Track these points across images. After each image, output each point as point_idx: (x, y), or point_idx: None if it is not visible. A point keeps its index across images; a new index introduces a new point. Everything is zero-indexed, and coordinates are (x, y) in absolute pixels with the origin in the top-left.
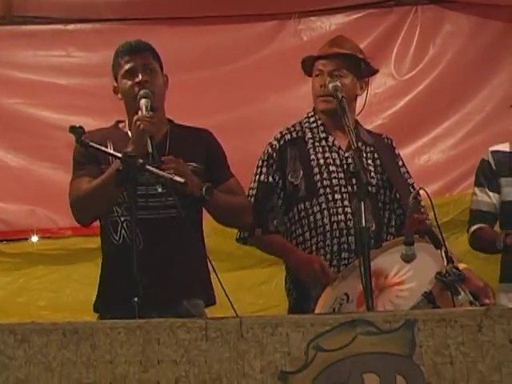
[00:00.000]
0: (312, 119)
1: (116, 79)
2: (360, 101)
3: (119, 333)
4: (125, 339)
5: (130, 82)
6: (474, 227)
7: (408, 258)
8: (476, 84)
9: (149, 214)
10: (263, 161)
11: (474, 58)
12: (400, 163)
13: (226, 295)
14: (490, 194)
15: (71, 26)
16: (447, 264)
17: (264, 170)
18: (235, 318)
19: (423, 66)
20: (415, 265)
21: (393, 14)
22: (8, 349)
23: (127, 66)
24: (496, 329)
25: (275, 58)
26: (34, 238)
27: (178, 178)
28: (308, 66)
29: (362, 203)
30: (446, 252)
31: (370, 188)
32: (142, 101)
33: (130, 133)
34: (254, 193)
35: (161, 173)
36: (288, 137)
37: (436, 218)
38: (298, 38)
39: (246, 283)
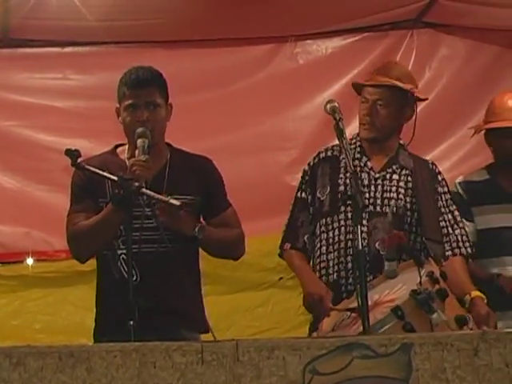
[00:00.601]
0: (353, 140)
1: (120, 104)
2: (355, 125)
3: (115, 356)
4: (121, 362)
5: (129, 118)
6: None
7: (390, 275)
8: (472, 107)
9: (144, 248)
10: (302, 177)
11: (470, 82)
12: (441, 190)
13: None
14: (468, 223)
15: (68, 49)
16: (420, 283)
17: (300, 185)
18: (231, 341)
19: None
20: (410, 283)
21: (389, 37)
22: (3, 372)
23: (130, 101)
24: (492, 353)
25: (271, 81)
26: (30, 261)
27: (173, 201)
28: (358, 89)
29: (359, 227)
30: (432, 273)
31: (384, 209)
32: (139, 141)
33: (127, 162)
34: (291, 208)
35: (157, 196)
36: (323, 155)
37: None
38: (295, 61)
39: (243, 306)
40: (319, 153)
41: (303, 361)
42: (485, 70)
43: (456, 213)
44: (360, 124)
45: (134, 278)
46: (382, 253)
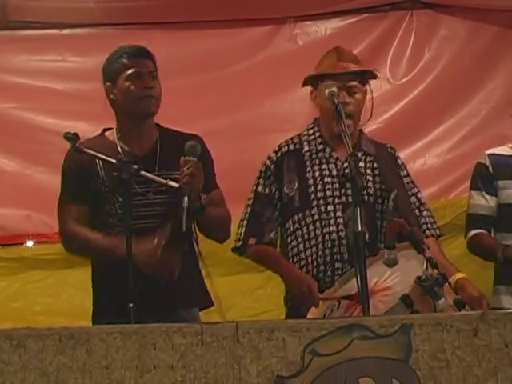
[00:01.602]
0: (311, 131)
1: (112, 80)
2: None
3: (115, 338)
4: (121, 344)
5: (134, 86)
6: (472, 232)
7: (390, 263)
8: (471, 88)
9: (141, 224)
10: (261, 172)
11: (470, 62)
12: (403, 173)
13: None
14: (488, 197)
15: (66, 31)
16: (426, 269)
17: (261, 181)
18: (231, 323)
19: (418, 71)
20: (404, 270)
21: (388, 18)
22: (3, 354)
23: (133, 70)
24: (492, 333)
25: (271, 62)
26: (30, 243)
27: (172, 183)
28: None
29: (358, 208)
30: (431, 258)
31: (366, 196)
32: (189, 158)
33: (118, 142)
34: (251, 203)
35: (156, 178)
36: (285, 149)
37: None
38: (294, 43)
39: (242, 288)
40: (280, 147)
41: (303, 342)
42: (485, 50)
43: (419, 195)
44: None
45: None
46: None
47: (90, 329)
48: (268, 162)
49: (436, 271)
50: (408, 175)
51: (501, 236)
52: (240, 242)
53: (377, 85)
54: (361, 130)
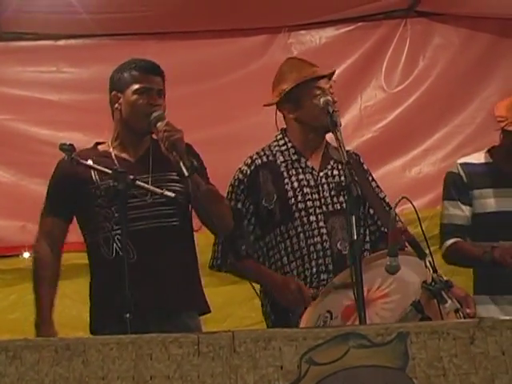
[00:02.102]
0: (281, 142)
1: (120, 90)
2: (348, 115)
3: (111, 349)
4: (117, 355)
5: (142, 100)
6: (449, 242)
7: (392, 270)
8: (466, 96)
9: (140, 225)
10: (233, 186)
11: (464, 71)
12: (370, 178)
13: None
14: (463, 207)
15: (61, 42)
16: (433, 272)
17: (233, 196)
18: (228, 332)
19: (413, 79)
20: (397, 277)
21: (382, 27)
22: (0, 365)
23: (144, 84)
24: (489, 341)
25: (265, 72)
26: (26, 254)
27: (168, 193)
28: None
29: (353, 217)
30: (432, 261)
31: (336, 206)
32: (159, 124)
33: (112, 151)
34: None
35: (151, 188)
36: (259, 161)
37: (422, 228)
38: (288, 52)
39: (239, 297)
40: (253, 159)
41: (299, 351)
42: (479, 58)
43: (387, 199)
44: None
45: (131, 256)
46: (343, 253)
47: (86, 340)
48: (241, 176)
49: (435, 275)
50: (373, 180)
51: (479, 246)
52: (218, 261)
53: (372, 93)
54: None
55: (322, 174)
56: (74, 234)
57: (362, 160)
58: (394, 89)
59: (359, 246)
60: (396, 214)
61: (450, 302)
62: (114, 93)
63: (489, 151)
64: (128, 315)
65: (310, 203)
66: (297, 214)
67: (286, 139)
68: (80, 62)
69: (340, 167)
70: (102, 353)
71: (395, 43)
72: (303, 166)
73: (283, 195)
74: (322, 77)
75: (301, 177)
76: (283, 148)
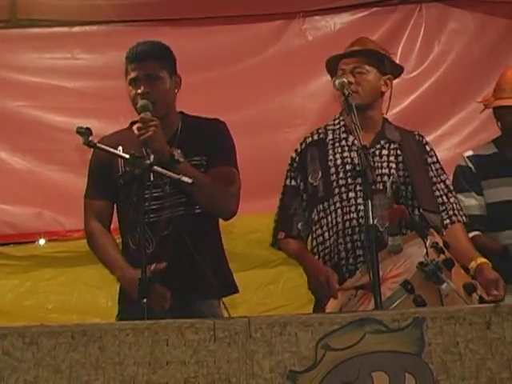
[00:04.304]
0: (336, 121)
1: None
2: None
3: (127, 334)
4: (133, 341)
5: (133, 92)
6: (470, 234)
7: (394, 249)
8: (481, 81)
9: (158, 216)
10: (289, 165)
11: (479, 56)
12: (431, 160)
13: None
14: (477, 197)
15: (76, 29)
16: (427, 254)
17: (289, 173)
18: (243, 318)
19: (428, 64)
20: (414, 256)
21: (397, 12)
22: (17, 351)
23: (132, 75)
24: (505, 326)
25: (280, 57)
26: (41, 241)
27: (185, 179)
28: (332, 66)
29: (369, 201)
30: (436, 243)
31: (378, 186)
32: (142, 115)
33: None
34: (281, 196)
35: (168, 173)
36: (310, 139)
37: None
38: (303, 38)
39: (254, 283)
40: (305, 138)
41: (315, 336)
42: (494, 43)
43: (448, 182)
44: (341, 96)
45: (151, 247)
46: (381, 229)
47: (102, 325)
48: (294, 155)
49: (443, 256)
50: (437, 161)
51: (490, 236)
52: (273, 238)
53: None
54: (385, 119)
55: (369, 151)
56: None
57: (425, 141)
58: (409, 74)
59: (374, 232)
60: (393, 194)
61: (445, 283)
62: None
63: (493, 141)
64: (145, 300)
65: (350, 180)
66: (337, 190)
67: (341, 118)
68: (95, 48)
69: (392, 147)
70: (118, 338)
71: (410, 28)
72: (350, 143)
73: (326, 172)
74: (342, 56)
75: (345, 154)
76: (336, 127)
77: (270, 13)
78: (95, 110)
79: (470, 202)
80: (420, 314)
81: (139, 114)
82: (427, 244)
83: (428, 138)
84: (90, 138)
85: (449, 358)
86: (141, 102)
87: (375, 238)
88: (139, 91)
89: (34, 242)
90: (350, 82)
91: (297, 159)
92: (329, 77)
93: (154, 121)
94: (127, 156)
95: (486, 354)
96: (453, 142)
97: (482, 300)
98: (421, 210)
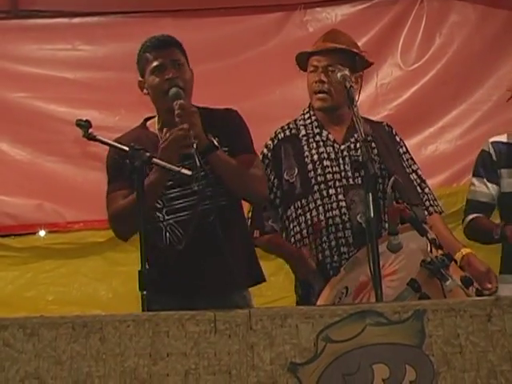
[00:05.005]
0: (307, 115)
1: (142, 75)
2: (364, 93)
3: (128, 326)
4: (134, 332)
5: (158, 79)
6: (469, 217)
7: (394, 248)
8: (482, 74)
9: (188, 214)
10: (261, 161)
11: (481, 48)
12: (402, 150)
13: None
14: (489, 184)
15: (77, 20)
16: (430, 251)
17: None
18: (244, 310)
19: (430, 56)
20: (408, 254)
21: (399, 4)
22: (17, 343)
23: (156, 63)
24: (506, 318)
25: (281, 49)
26: (42, 233)
27: (185, 171)
28: (302, 61)
29: (370, 194)
30: (434, 239)
31: (356, 181)
32: (175, 102)
33: (158, 133)
34: None
35: (168, 165)
36: (281, 135)
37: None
38: (304, 29)
39: None
40: (276, 134)
41: (316, 328)
42: (495, 35)
43: (419, 171)
44: (313, 94)
45: (182, 244)
46: (364, 226)
47: (103, 317)
48: (265, 150)
49: (440, 252)
50: (407, 152)
51: None
52: None
53: (388, 71)
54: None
55: (343, 147)
56: (89, 212)
57: (394, 132)
58: (411, 66)
59: (375, 224)
60: (393, 192)
61: (450, 280)
62: (139, 79)
63: None
64: (145, 292)
65: (329, 176)
66: (316, 187)
67: (311, 112)
68: (95, 39)
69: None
70: (118, 330)
71: (411, 20)
72: (324, 138)
73: (303, 168)
74: (315, 53)
75: (321, 150)
76: (307, 121)
77: (270, 4)
78: (96, 102)
79: (480, 189)
80: (421, 307)
81: (171, 101)
82: (428, 240)
83: (429, 130)
84: (90, 131)
85: (449, 350)
86: (173, 90)
87: (356, 236)
88: (167, 77)
89: (34, 233)
90: (321, 81)
91: (269, 155)
92: None
93: (192, 107)
94: (126, 148)
95: (486, 346)
96: (454, 134)
97: (478, 293)
98: (405, 204)
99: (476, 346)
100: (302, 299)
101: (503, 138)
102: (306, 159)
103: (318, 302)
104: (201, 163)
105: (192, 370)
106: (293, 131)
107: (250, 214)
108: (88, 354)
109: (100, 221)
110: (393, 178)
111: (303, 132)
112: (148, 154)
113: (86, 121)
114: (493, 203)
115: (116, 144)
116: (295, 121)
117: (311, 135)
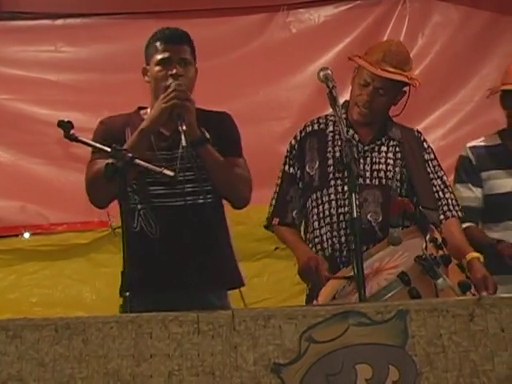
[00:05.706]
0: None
1: (148, 62)
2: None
3: (111, 327)
4: (117, 334)
5: (162, 72)
6: (463, 226)
7: (394, 241)
8: (465, 74)
9: (166, 202)
10: (288, 151)
11: (463, 49)
12: (428, 156)
13: None
14: (474, 189)
15: (59, 21)
16: (426, 248)
17: (287, 160)
18: (227, 311)
19: (412, 57)
20: (413, 249)
21: (381, 5)
22: (0, 345)
23: (164, 55)
24: (488, 318)
25: (264, 50)
26: (26, 235)
27: (167, 172)
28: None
29: (354, 195)
30: (436, 239)
31: (384, 180)
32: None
33: None
34: (279, 182)
35: (150, 166)
36: (310, 128)
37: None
38: (287, 31)
39: None
40: (305, 126)
41: (299, 329)
42: (478, 36)
43: (444, 178)
44: (354, 105)
45: (154, 232)
46: (373, 224)
47: (86, 319)
48: (293, 142)
49: (441, 252)
50: (435, 158)
51: (487, 227)
52: (267, 221)
53: None
54: (389, 117)
55: (367, 147)
56: (73, 213)
57: (423, 138)
58: None
59: (358, 225)
60: (381, 189)
61: (441, 279)
62: (144, 66)
63: (498, 133)
64: (128, 293)
65: (346, 173)
66: (332, 182)
67: (343, 110)
68: (78, 41)
69: (392, 144)
70: (101, 331)
71: (394, 21)
72: (349, 137)
73: (324, 163)
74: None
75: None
76: (337, 119)
77: (253, 5)
78: (79, 103)
79: (466, 194)
80: (404, 307)
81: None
82: (427, 238)
83: None
84: (72, 132)
85: (432, 350)
86: (175, 83)
87: (366, 234)
88: (170, 72)
89: (17, 235)
90: (368, 101)
91: (296, 146)
92: (314, 69)
93: (191, 98)
94: (108, 149)
95: (469, 345)
96: (437, 134)
97: None
98: (420, 207)
99: (458, 346)
100: (307, 298)
101: (481, 142)
102: (328, 154)
103: (322, 291)
104: (187, 142)
105: (175, 371)
106: (321, 126)
107: (273, 201)
108: (71, 355)
109: (83, 222)
110: (382, 175)
111: (331, 128)
112: (130, 155)
113: (68, 122)
114: (480, 207)
115: (97, 145)
116: (326, 116)
117: (337, 132)
